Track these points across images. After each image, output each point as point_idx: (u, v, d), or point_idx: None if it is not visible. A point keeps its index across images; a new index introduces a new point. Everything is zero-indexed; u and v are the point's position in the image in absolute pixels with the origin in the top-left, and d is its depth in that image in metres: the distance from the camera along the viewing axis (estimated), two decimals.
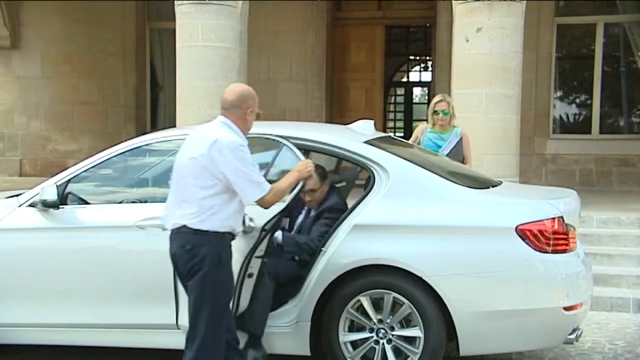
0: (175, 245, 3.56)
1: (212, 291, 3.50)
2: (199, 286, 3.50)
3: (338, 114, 11.08)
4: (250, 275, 4.06)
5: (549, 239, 4.01)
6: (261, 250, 4.05)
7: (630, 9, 10.39)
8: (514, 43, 7.54)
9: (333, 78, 11.48)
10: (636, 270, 6.51)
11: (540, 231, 4.01)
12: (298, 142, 4.42)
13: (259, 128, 4.05)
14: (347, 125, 5.13)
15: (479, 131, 7.59)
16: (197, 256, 3.48)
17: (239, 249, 3.85)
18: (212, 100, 7.69)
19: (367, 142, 4.51)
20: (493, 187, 4.66)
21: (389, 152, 4.47)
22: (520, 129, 7.94)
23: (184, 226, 3.51)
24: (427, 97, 15.07)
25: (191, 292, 3.55)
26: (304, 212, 4.83)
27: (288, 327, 4.23)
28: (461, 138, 6.16)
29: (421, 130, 6.27)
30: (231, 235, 3.60)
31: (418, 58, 17.53)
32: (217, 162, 3.44)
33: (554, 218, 4.06)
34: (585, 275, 4.30)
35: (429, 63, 15.19)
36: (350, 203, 4.48)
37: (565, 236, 4.09)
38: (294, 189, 3.86)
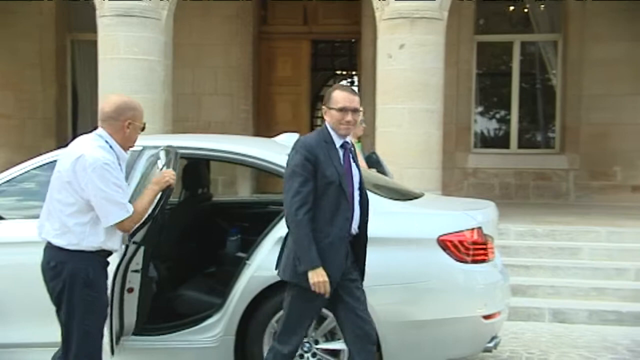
0: (43, 260, 3.40)
1: (81, 310, 3.31)
2: (67, 305, 3.33)
3: (265, 127, 11.07)
4: (131, 290, 3.97)
5: (469, 249, 4.11)
6: (137, 263, 3.96)
7: (544, 29, 10.84)
8: (435, 59, 7.74)
9: (260, 91, 11.49)
10: (551, 280, 6.75)
11: (461, 241, 4.10)
12: (223, 155, 4.41)
13: (178, 141, 4.01)
14: (272, 138, 5.14)
15: (403, 145, 7.76)
16: (60, 274, 3.31)
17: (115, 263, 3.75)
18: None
19: None
20: (415, 199, 4.76)
21: None
22: (443, 143, 8.14)
23: (49, 242, 3.37)
24: None
25: (61, 312, 3.38)
26: None
27: (212, 341, 4.18)
28: None
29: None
30: (105, 252, 3.43)
31: (344, 73, 17.74)
32: (79, 179, 3.25)
33: (473, 229, 4.15)
34: (503, 285, 4.43)
35: (355, 78, 15.39)
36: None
37: (484, 246, 4.20)
38: (160, 200, 3.63)
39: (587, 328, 6.07)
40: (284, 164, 4.33)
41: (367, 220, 3.70)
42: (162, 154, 3.94)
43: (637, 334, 5.88)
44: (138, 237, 3.85)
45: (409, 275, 4.12)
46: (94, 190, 3.24)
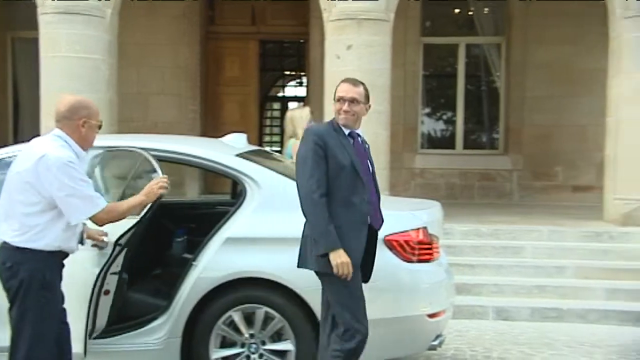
0: None
1: (34, 312, 3.30)
2: (20, 306, 3.31)
3: (213, 127, 10.99)
4: (107, 293, 3.95)
5: (414, 248, 4.16)
6: (117, 265, 3.95)
7: (489, 31, 11.06)
8: (382, 60, 7.82)
9: (207, 92, 11.40)
10: (495, 279, 6.88)
11: (406, 241, 4.15)
12: (168, 155, 4.36)
13: (125, 140, 3.96)
14: (219, 139, 5.11)
15: None
16: (17, 275, 3.29)
17: (93, 264, 3.76)
18: None
19: (238, 155, 4.52)
20: None
21: (261, 165, 4.49)
22: (390, 144, 8.23)
23: (6, 242, 3.34)
24: None
25: (13, 312, 3.35)
26: None
27: (157, 344, 4.14)
28: None
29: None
30: (62, 254, 3.43)
31: (293, 73, 17.75)
32: (43, 179, 3.26)
33: (418, 228, 4.21)
34: (448, 284, 4.50)
35: (304, 78, 15.41)
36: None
37: (430, 246, 4.26)
38: (154, 203, 3.66)
39: (528, 325, 6.21)
40: (231, 165, 4.37)
41: (381, 216, 3.75)
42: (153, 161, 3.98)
43: (576, 331, 6.05)
44: (123, 239, 3.86)
45: None
46: (60, 189, 3.26)
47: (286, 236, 4.16)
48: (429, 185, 10.72)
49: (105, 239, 3.82)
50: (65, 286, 3.52)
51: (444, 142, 11.42)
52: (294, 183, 4.35)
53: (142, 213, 3.76)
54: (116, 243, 3.85)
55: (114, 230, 3.81)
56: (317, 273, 3.65)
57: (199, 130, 11.00)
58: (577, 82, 10.36)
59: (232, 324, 4.16)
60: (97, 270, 3.80)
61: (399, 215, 4.42)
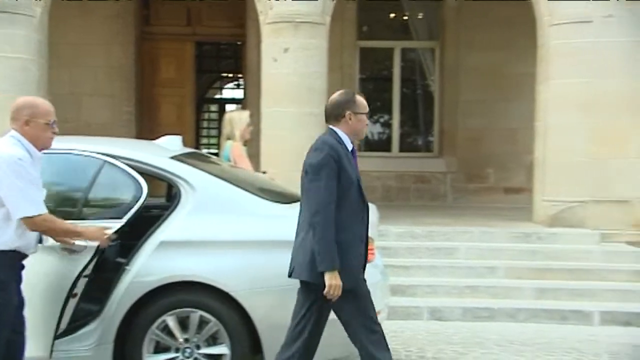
0: None
1: None
2: None
3: (148, 129, 10.83)
4: (74, 296, 3.90)
5: None
6: (89, 269, 3.91)
7: (423, 36, 11.27)
8: (318, 63, 7.87)
9: (143, 93, 11.24)
10: (429, 280, 7.00)
11: None
12: (100, 157, 4.27)
13: (57, 142, 3.84)
14: (153, 141, 5.04)
15: (287, 149, 7.82)
16: None
17: (69, 268, 3.79)
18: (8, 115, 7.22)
19: (173, 157, 4.47)
20: (298, 201, 4.80)
21: (195, 167, 4.45)
22: None
23: None
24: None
25: None
26: None
27: (88, 350, 4.05)
28: None
29: (240, 147, 6.27)
30: (18, 255, 3.40)
31: (230, 75, 17.64)
32: None
33: None
34: (383, 285, 4.55)
35: (241, 81, 15.34)
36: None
37: None
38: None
39: (461, 325, 6.34)
40: (165, 167, 4.31)
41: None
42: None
43: (506, 329, 6.21)
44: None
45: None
46: (8, 185, 3.28)
47: (221, 239, 4.15)
48: (366, 188, 10.77)
49: (82, 242, 3.77)
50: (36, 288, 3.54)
51: (381, 145, 11.56)
52: (230, 186, 4.38)
53: (126, 218, 3.91)
54: (98, 246, 3.84)
55: None
56: (309, 284, 3.56)
57: (134, 132, 10.83)
58: (508, 87, 10.63)
59: (166, 329, 4.11)
60: (65, 275, 3.81)
61: None
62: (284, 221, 4.28)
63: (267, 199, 4.45)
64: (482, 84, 10.74)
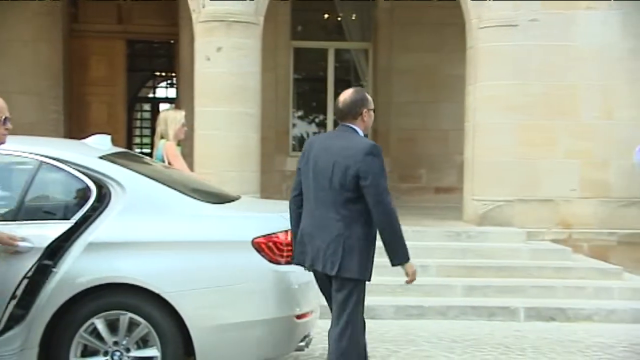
0: None
1: None
2: None
3: (78, 129, 10.56)
4: (15, 297, 3.83)
5: (282, 250, 4.20)
6: (31, 270, 3.84)
7: (356, 37, 11.37)
8: (252, 63, 7.85)
9: (72, 92, 10.96)
10: None
11: (274, 243, 4.17)
12: (25, 157, 4.15)
13: None
14: (82, 140, 4.92)
15: (221, 149, 7.78)
16: None
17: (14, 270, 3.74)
18: None
19: (102, 157, 4.38)
20: (231, 202, 4.79)
21: (126, 167, 4.37)
22: (262, 147, 8.26)
23: None
24: None
25: None
26: None
27: (12, 354, 3.92)
28: None
29: (174, 147, 6.19)
30: None
31: (163, 74, 17.41)
32: None
33: (286, 230, 4.25)
34: (314, 285, 4.57)
35: (175, 79, 15.15)
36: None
37: None
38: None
39: (394, 322, 6.43)
40: (93, 167, 4.21)
41: None
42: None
43: (437, 327, 6.35)
44: (54, 243, 3.84)
45: (224, 278, 4.13)
46: None
47: (152, 240, 4.09)
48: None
49: (27, 244, 3.71)
50: None
51: None
52: (161, 186, 4.32)
53: (76, 218, 3.89)
54: (48, 247, 3.79)
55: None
56: (349, 280, 3.86)
57: (62, 132, 10.55)
58: (439, 89, 10.84)
59: (95, 332, 4.01)
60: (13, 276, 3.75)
61: (267, 217, 4.45)
62: (216, 222, 4.27)
63: (199, 200, 4.41)
64: (414, 86, 10.92)
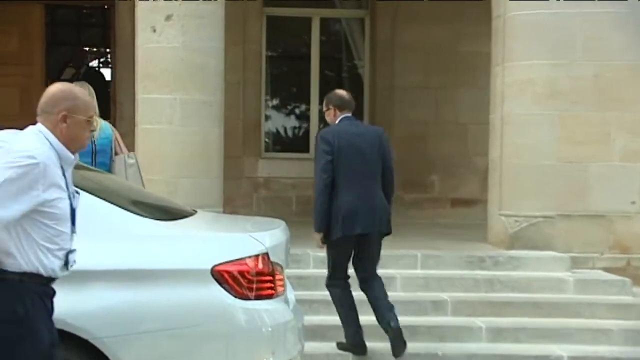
0: None
1: None
2: None
3: None
4: None
5: (252, 281, 4.20)
6: None
7: (349, 3, 11.42)
8: (213, 37, 7.85)
9: None
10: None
11: (241, 272, 4.18)
12: None
13: None
14: None
15: (172, 147, 7.76)
16: None
17: None
18: None
19: None
20: (184, 218, 4.78)
21: None
22: (225, 146, 8.24)
23: None
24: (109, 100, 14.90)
25: None
26: None
27: None
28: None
29: None
30: (40, 279, 3.40)
31: (95, 50, 17.35)
32: None
33: (257, 255, 4.25)
34: (295, 326, 4.57)
35: (109, 57, 15.10)
36: None
37: (271, 278, 4.31)
38: None
39: None
40: None
41: None
42: None
43: None
44: None
45: (176, 318, 4.15)
46: None
47: (81, 269, 4.02)
48: (277, 199, 10.82)
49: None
50: None
51: (296, 144, 11.58)
52: (95, 199, 4.29)
53: None
54: None
55: None
56: (386, 235, 6.37)
57: None
58: (455, 70, 10.84)
59: None
60: None
61: (232, 238, 4.49)
62: (166, 244, 4.26)
63: (140, 215, 4.43)
64: (423, 66, 10.93)
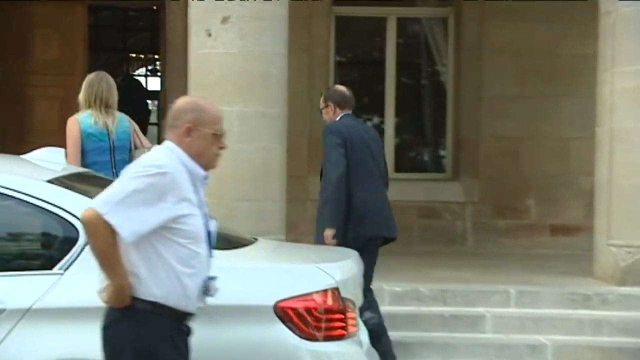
0: None
1: None
2: None
3: (16, 136, 10.76)
4: None
5: (320, 320, 4.20)
6: None
7: (431, 1, 11.37)
8: (275, 41, 7.87)
9: (7, 83, 11.14)
10: None
11: (308, 309, 4.18)
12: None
13: None
14: (23, 156, 5.02)
15: (227, 166, 7.72)
16: (108, 342, 3.55)
17: None
18: None
19: (52, 180, 4.48)
20: (243, 247, 4.81)
21: (87, 195, 4.42)
22: (289, 164, 8.27)
23: None
24: (158, 112, 15.09)
25: None
26: None
27: None
28: None
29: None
30: (174, 313, 3.53)
31: (142, 56, 17.63)
32: None
33: (326, 290, 4.25)
34: None
35: (159, 64, 15.32)
36: None
37: (342, 316, 4.30)
38: None
39: None
40: (40, 195, 4.28)
41: None
42: None
43: None
44: None
45: None
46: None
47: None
48: None
49: None
50: None
51: None
52: None
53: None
54: None
55: None
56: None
57: None
58: (555, 77, 10.75)
59: None
60: None
61: (297, 270, 4.50)
62: (223, 277, 4.24)
63: None
64: (517, 72, 10.86)
